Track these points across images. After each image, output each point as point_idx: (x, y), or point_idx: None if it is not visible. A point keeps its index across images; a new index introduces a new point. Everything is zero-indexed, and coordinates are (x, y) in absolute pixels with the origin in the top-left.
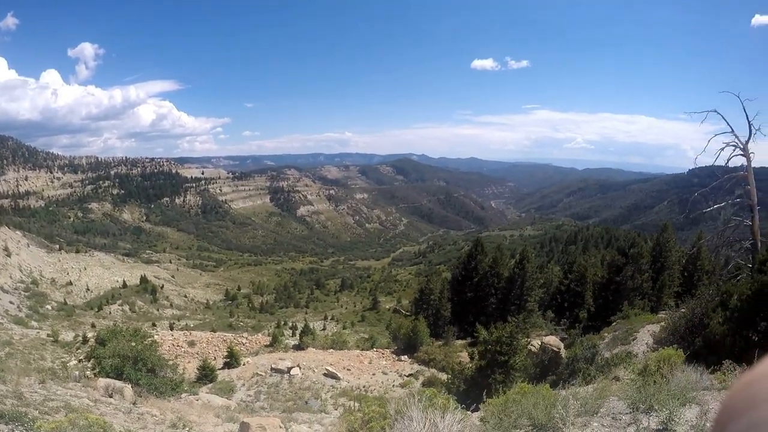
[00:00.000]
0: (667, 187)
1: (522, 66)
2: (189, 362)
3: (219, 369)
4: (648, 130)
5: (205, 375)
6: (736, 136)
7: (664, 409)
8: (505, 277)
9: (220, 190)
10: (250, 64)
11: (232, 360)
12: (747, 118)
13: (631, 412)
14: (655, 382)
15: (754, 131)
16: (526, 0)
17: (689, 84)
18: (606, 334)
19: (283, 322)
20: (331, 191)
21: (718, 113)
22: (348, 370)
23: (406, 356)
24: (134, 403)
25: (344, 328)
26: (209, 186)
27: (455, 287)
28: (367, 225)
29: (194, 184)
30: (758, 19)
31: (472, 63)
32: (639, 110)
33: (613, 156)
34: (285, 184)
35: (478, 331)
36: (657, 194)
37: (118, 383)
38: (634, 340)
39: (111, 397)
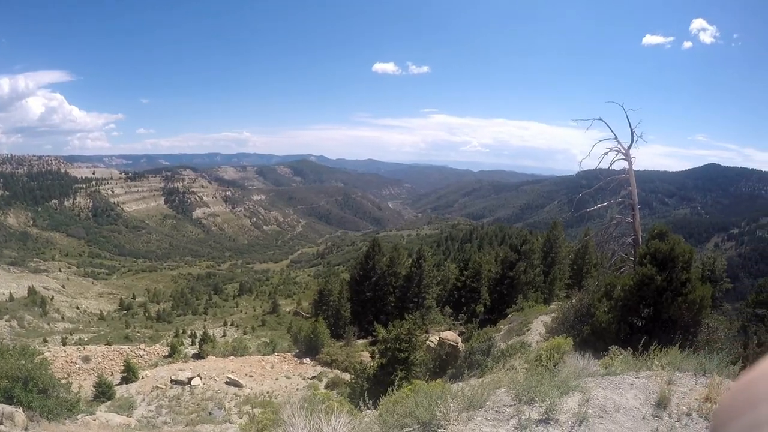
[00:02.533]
0: (557, 188)
1: (423, 71)
2: (84, 379)
3: (117, 385)
4: (540, 136)
5: (103, 392)
6: (619, 142)
7: (546, 400)
8: (402, 275)
9: (113, 192)
10: (147, 57)
11: (129, 374)
12: (630, 126)
13: (514, 404)
14: (545, 369)
15: (636, 138)
16: (430, 8)
17: (581, 94)
18: (502, 327)
19: (181, 331)
20: (227, 192)
21: (603, 121)
22: (250, 376)
23: (308, 359)
24: (26, 429)
25: (245, 333)
26: (101, 187)
27: (354, 287)
28: (264, 227)
29: (85, 185)
30: (649, 39)
31: (373, 66)
32: (532, 117)
33: (506, 159)
34: (180, 185)
35: (378, 330)
36: (548, 195)
37: (8, 408)
38: (528, 330)
39: (0, 424)
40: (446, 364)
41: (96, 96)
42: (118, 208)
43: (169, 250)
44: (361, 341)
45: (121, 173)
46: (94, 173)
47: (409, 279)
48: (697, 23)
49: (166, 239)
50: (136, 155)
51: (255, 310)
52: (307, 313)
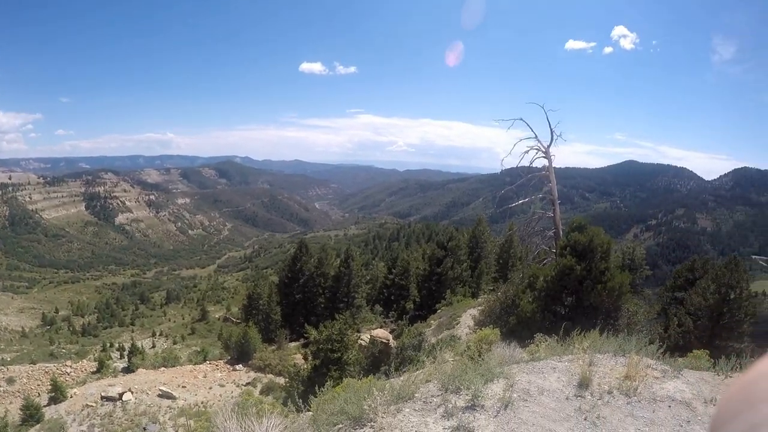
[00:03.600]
0: (482, 185)
1: (350, 72)
2: (11, 403)
3: (45, 406)
4: (465, 135)
5: (31, 415)
6: (539, 141)
7: (471, 388)
8: (331, 276)
9: (30, 198)
10: (67, 53)
11: (57, 394)
12: (549, 126)
13: (441, 394)
14: (469, 359)
15: (555, 137)
16: (358, 7)
17: (506, 95)
18: (432, 322)
19: (109, 344)
20: (151, 196)
21: (524, 121)
22: (183, 387)
23: (241, 365)
24: None
25: (174, 343)
26: (17, 193)
27: (283, 290)
28: (190, 231)
29: (0, 192)
30: (572, 44)
31: (300, 66)
32: (457, 117)
33: (432, 158)
34: (102, 189)
35: (309, 332)
36: (473, 192)
37: None
38: (457, 324)
39: None
40: (379, 362)
41: (12, 94)
42: (37, 215)
43: (92, 259)
44: (293, 344)
45: (39, 178)
46: (10, 178)
47: (338, 279)
48: (619, 30)
49: (88, 247)
50: (55, 158)
51: (184, 319)
52: (237, 319)
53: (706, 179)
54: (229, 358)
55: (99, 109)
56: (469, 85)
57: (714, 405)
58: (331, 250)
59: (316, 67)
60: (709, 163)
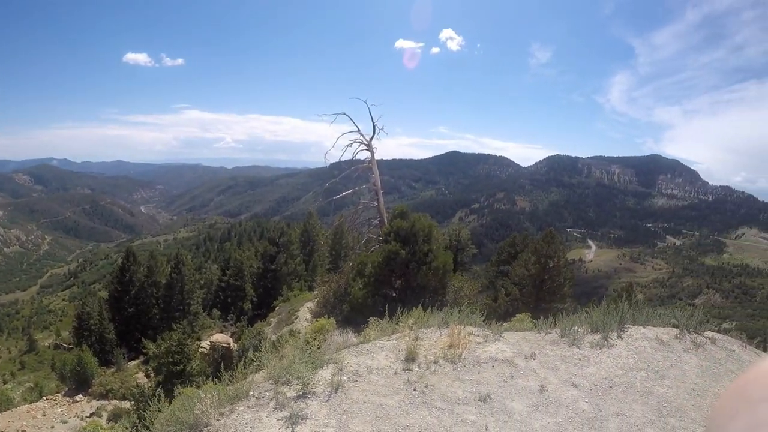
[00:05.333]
0: (312, 179)
1: (177, 64)
2: None
3: None
4: (294, 130)
5: None
6: (362, 134)
7: (300, 377)
8: (163, 284)
9: None
10: None
11: None
12: (372, 120)
13: (273, 387)
14: (299, 350)
15: (378, 130)
16: None
17: (336, 91)
18: (272, 319)
19: None
20: None
21: (347, 115)
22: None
23: (81, 395)
24: None
25: (4, 382)
26: None
27: (114, 305)
28: (5, 249)
29: None
30: (401, 43)
31: (124, 57)
32: (286, 112)
33: (261, 154)
34: None
35: (147, 347)
36: (303, 186)
37: None
38: (296, 318)
39: None
40: (223, 367)
41: None
42: None
43: None
44: (133, 363)
45: None
46: None
47: (170, 287)
48: (447, 33)
49: None
50: None
51: (10, 352)
52: (69, 344)
53: (524, 166)
54: (67, 389)
55: None
56: (300, 80)
57: (533, 359)
58: (160, 257)
59: (141, 58)
60: (526, 152)
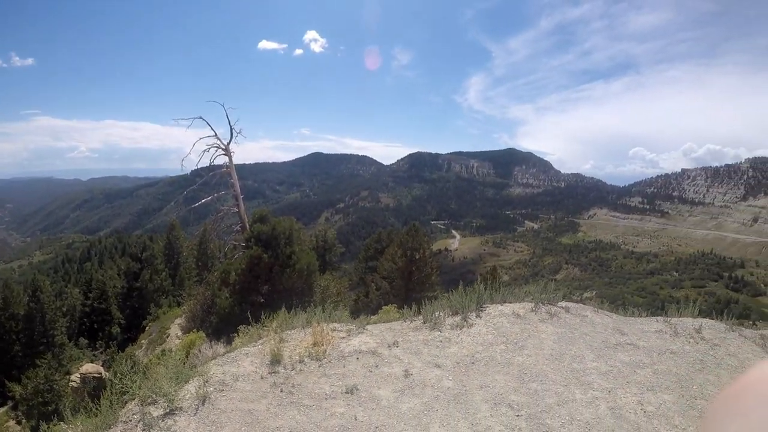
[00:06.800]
0: (173, 188)
1: (27, 64)
2: None
3: None
4: (152, 137)
5: None
6: (219, 139)
7: (165, 395)
8: (22, 316)
9: None
10: None
11: None
12: (229, 123)
13: (140, 409)
14: (162, 367)
15: (235, 134)
16: None
17: (197, 94)
18: (143, 341)
19: None
20: None
21: (203, 119)
22: None
23: None
24: None
25: None
26: None
27: None
28: None
29: None
30: (264, 44)
31: None
32: (144, 117)
33: (117, 163)
34: None
35: (12, 389)
36: (164, 196)
37: None
38: (168, 337)
39: None
40: (97, 399)
41: None
42: None
43: None
44: (1, 410)
45: None
46: None
47: (30, 319)
48: (311, 35)
49: None
50: None
51: None
52: None
53: (386, 164)
54: None
55: None
56: (160, 83)
57: (396, 346)
58: (16, 286)
59: None
60: (388, 151)
